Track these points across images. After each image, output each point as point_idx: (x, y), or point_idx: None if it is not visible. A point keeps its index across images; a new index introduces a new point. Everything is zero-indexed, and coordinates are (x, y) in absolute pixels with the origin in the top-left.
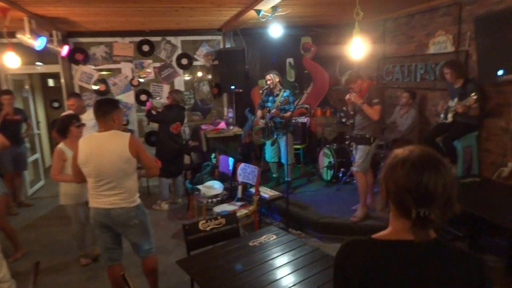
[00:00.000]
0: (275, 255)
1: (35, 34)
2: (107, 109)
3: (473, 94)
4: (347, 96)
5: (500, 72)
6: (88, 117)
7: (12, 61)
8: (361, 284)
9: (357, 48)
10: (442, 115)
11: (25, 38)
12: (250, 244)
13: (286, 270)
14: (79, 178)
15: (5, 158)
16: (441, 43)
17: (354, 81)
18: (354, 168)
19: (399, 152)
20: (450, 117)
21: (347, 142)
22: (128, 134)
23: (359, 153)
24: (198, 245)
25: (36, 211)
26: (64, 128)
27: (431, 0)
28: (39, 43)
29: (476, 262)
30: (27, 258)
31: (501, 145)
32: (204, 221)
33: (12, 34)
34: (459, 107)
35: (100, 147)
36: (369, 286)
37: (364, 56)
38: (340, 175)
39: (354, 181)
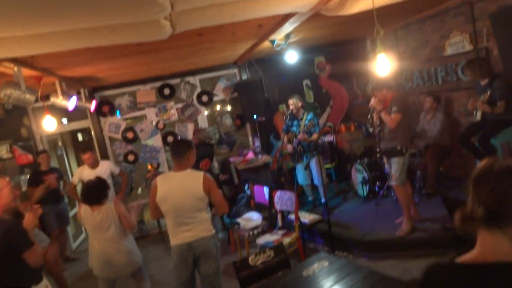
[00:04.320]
0: (332, 282)
1: (67, 95)
2: (183, 150)
3: (488, 91)
4: (371, 102)
5: None
6: (102, 169)
7: (50, 124)
8: None
9: (383, 64)
10: (474, 114)
11: (59, 100)
12: (304, 274)
13: None
14: (156, 214)
15: (49, 217)
16: (458, 43)
17: (379, 89)
18: (392, 183)
19: (487, 162)
20: (478, 116)
21: (378, 155)
22: (201, 173)
23: (395, 166)
24: (251, 281)
25: (82, 265)
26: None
27: (440, 4)
28: (71, 104)
29: None
30: None
31: None
32: (253, 256)
33: (46, 97)
34: (479, 103)
35: (177, 186)
36: None
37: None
38: (377, 189)
39: (392, 194)
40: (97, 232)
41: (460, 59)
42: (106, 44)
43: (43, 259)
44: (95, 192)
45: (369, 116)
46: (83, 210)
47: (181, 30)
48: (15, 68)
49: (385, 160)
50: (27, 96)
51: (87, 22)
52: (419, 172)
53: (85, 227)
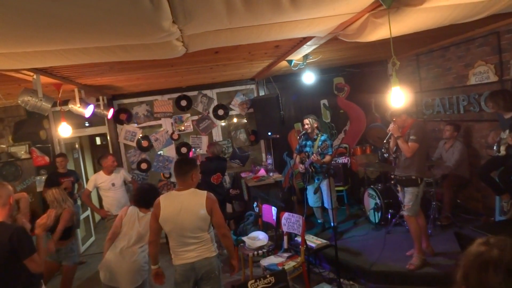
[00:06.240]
0: None
1: (84, 103)
2: (186, 168)
3: None
4: (389, 127)
5: None
6: (117, 175)
7: (65, 130)
8: None
9: (398, 97)
10: (495, 148)
11: (76, 107)
12: None
13: None
14: (156, 237)
15: None
16: (482, 74)
17: (398, 115)
18: (404, 213)
19: (484, 249)
20: (503, 150)
21: (392, 182)
22: (204, 193)
23: (408, 196)
24: None
25: (89, 268)
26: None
27: (466, 32)
28: (88, 112)
29: None
30: None
31: None
32: (253, 281)
33: (64, 102)
34: (510, 139)
35: (180, 205)
36: None
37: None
38: (389, 217)
39: (405, 223)
40: (128, 238)
41: (484, 89)
42: (120, 60)
43: (43, 267)
44: (150, 196)
45: (385, 141)
46: (129, 211)
47: (194, 49)
48: (34, 76)
49: (399, 188)
50: (43, 104)
51: (99, 43)
52: (434, 202)
53: (121, 229)
